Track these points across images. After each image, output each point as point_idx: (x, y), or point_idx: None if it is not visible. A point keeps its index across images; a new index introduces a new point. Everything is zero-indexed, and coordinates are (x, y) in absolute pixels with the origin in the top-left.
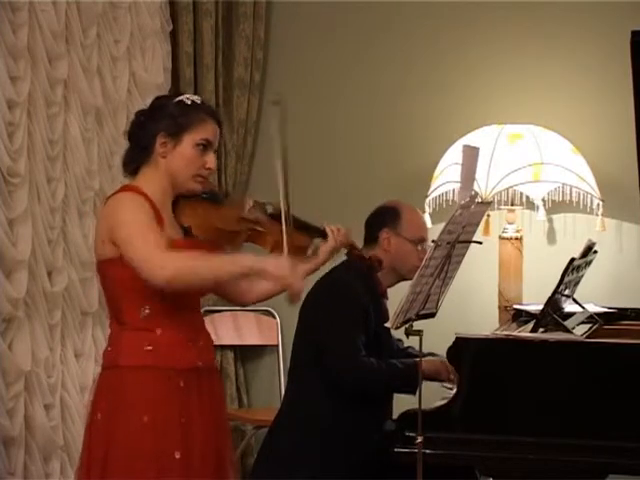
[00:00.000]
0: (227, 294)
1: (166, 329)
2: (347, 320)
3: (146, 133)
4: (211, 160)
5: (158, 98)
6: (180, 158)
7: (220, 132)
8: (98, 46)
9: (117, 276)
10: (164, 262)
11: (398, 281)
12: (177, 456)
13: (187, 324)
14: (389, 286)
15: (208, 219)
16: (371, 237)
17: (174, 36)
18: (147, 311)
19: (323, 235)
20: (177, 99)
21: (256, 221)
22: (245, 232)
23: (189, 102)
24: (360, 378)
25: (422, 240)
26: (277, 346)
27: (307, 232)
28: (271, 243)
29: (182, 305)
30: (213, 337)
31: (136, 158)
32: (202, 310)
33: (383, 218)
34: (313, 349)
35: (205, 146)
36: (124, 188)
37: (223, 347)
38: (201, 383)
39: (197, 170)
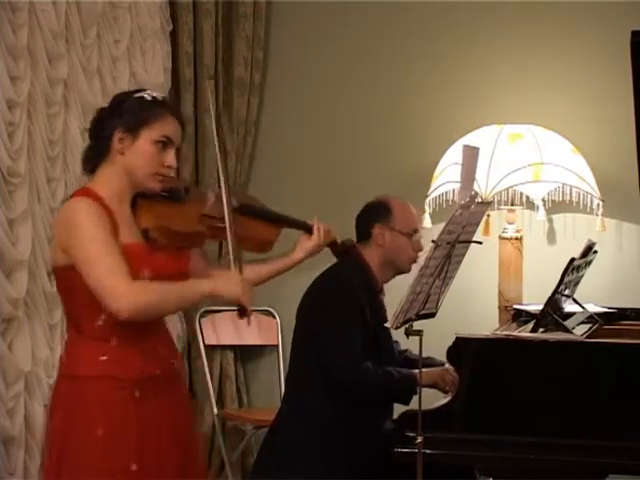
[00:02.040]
0: None
1: (121, 339)
2: (346, 320)
3: (104, 129)
4: (171, 158)
5: (119, 94)
6: (138, 155)
7: (183, 131)
8: (98, 46)
9: (71, 285)
10: (128, 293)
11: (394, 275)
12: (133, 468)
13: (145, 332)
14: (386, 281)
15: (166, 221)
16: (364, 234)
17: (174, 36)
18: (102, 321)
19: (306, 229)
20: (138, 94)
21: (220, 217)
22: (207, 230)
23: (149, 98)
24: (356, 382)
25: (415, 231)
26: (277, 346)
27: (278, 224)
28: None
29: None
30: (213, 337)
31: (95, 155)
32: (202, 310)
33: (374, 214)
34: (312, 348)
35: (165, 143)
36: (79, 192)
37: (223, 347)
38: (159, 391)
39: (156, 168)
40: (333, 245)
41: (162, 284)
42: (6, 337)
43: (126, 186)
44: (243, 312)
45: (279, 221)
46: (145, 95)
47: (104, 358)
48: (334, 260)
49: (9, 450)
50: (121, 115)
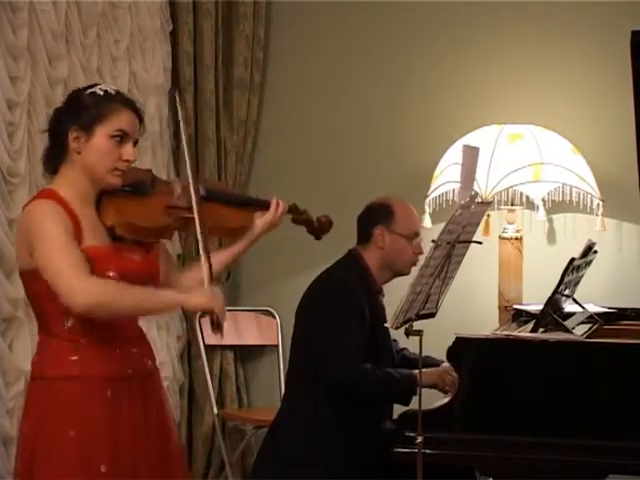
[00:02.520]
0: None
1: (91, 339)
2: (343, 323)
3: (60, 129)
4: (128, 152)
5: (73, 91)
6: (94, 152)
7: (140, 122)
8: (98, 46)
9: (39, 288)
10: (83, 288)
11: (393, 277)
12: (103, 470)
13: (116, 332)
14: (384, 282)
15: (130, 217)
16: (365, 234)
17: (174, 36)
18: (71, 322)
19: (266, 207)
20: (90, 90)
21: (186, 207)
22: (175, 222)
23: (101, 92)
24: (356, 384)
25: (416, 235)
26: (277, 346)
27: (246, 208)
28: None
29: None
30: (213, 337)
31: (53, 156)
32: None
33: (376, 215)
34: (310, 351)
35: (121, 137)
36: (40, 194)
37: (223, 347)
38: (132, 391)
39: (114, 163)
40: (294, 215)
41: (125, 285)
42: (6, 337)
43: (87, 185)
44: (216, 325)
45: (246, 204)
46: (97, 90)
47: (74, 358)
48: (333, 260)
49: (9, 450)
50: (74, 113)
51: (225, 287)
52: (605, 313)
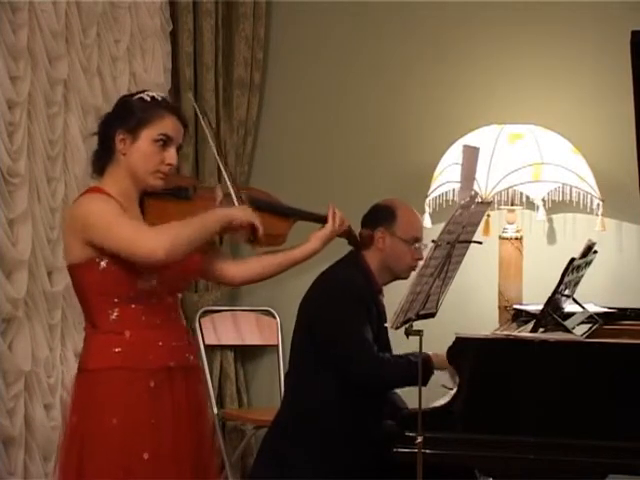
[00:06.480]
0: (216, 277)
1: (135, 331)
2: (356, 320)
3: (108, 131)
4: (171, 156)
5: (122, 97)
6: (138, 153)
7: (185, 130)
8: (98, 46)
9: (85, 280)
10: (154, 237)
11: (392, 280)
12: (145, 457)
13: (158, 325)
14: (384, 284)
15: (171, 218)
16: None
17: (174, 36)
18: (116, 315)
19: (320, 220)
20: (137, 96)
21: None
22: None
23: (148, 98)
24: (379, 376)
25: (416, 240)
26: (277, 346)
27: (287, 218)
28: (248, 232)
29: (153, 308)
30: (213, 337)
31: (100, 157)
32: (202, 310)
33: (379, 217)
34: (314, 347)
35: (165, 142)
36: (88, 190)
37: (223, 347)
38: (174, 383)
39: (156, 166)
40: (347, 235)
41: (178, 222)
42: (6, 337)
43: (130, 185)
44: (255, 234)
45: (291, 214)
46: (144, 96)
47: (118, 350)
48: (333, 260)
49: (9, 450)
50: (122, 117)
51: (225, 287)
52: (605, 313)
